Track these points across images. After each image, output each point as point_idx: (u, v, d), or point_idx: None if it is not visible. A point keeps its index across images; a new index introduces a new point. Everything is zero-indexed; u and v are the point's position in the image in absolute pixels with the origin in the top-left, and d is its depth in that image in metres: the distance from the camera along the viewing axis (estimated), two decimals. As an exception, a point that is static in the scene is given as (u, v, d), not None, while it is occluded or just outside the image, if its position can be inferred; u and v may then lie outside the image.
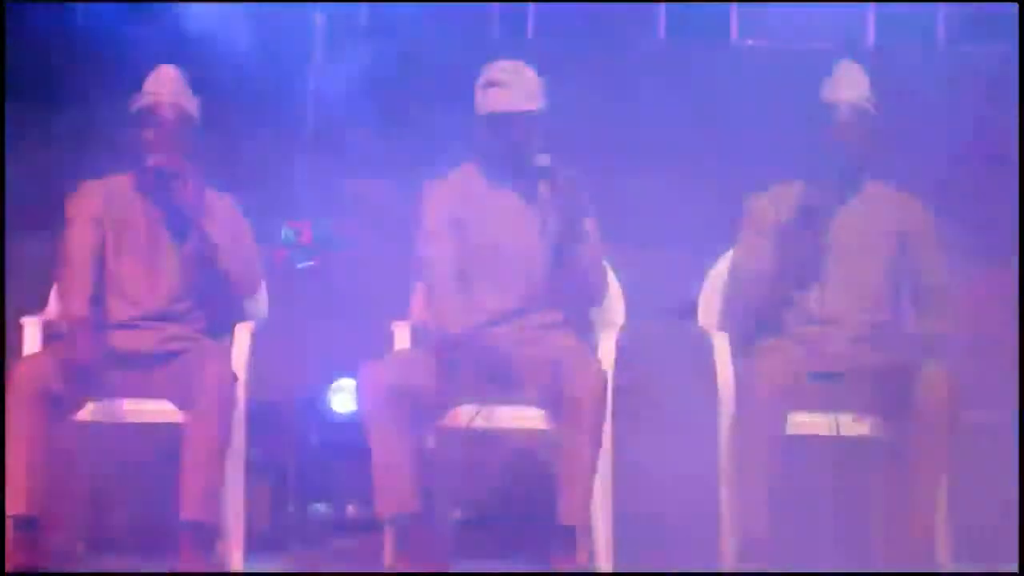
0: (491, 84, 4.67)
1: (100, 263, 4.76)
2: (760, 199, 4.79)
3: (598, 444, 4.46)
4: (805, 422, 4.60)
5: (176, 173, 4.68)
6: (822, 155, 4.68)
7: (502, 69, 4.68)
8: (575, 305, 4.75)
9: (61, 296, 4.70)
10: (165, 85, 4.78)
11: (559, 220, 4.60)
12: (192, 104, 4.81)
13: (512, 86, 4.64)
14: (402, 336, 4.78)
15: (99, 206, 4.79)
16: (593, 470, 4.45)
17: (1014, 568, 4.61)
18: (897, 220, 4.75)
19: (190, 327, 4.79)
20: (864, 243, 4.73)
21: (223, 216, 4.77)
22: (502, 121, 4.64)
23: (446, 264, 4.68)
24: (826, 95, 4.71)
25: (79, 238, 4.75)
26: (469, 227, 4.72)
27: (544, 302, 4.70)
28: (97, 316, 4.72)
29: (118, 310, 4.75)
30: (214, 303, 4.86)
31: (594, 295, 4.76)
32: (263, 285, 4.95)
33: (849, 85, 4.71)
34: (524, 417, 4.60)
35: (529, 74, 4.67)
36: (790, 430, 4.55)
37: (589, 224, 4.68)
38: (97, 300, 4.73)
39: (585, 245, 4.63)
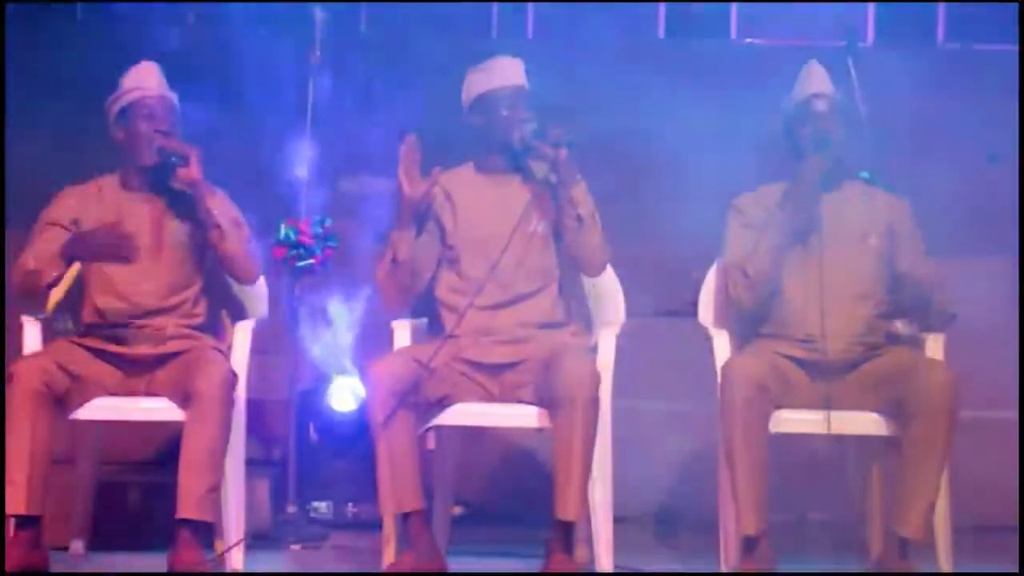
0: (474, 73, 4.78)
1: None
2: (747, 198, 4.82)
3: (593, 441, 4.46)
4: (796, 419, 4.59)
5: (185, 155, 4.71)
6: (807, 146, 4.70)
7: (483, 62, 4.79)
8: (576, 274, 4.76)
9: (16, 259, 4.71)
10: (149, 79, 4.83)
11: (555, 189, 4.63)
12: (174, 96, 4.85)
13: (491, 71, 4.76)
14: (402, 335, 4.78)
15: (72, 211, 4.81)
16: (588, 467, 4.45)
17: (1014, 568, 4.61)
18: (882, 216, 4.75)
19: (189, 321, 4.79)
20: (851, 236, 4.72)
21: (221, 201, 4.79)
22: (488, 102, 4.72)
23: (387, 256, 4.70)
24: (803, 92, 4.75)
25: (41, 239, 4.77)
26: (456, 222, 4.74)
27: (542, 290, 4.71)
28: (88, 317, 4.76)
29: (111, 310, 4.75)
30: (217, 293, 4.87)
31: (595, 264, 4.74)
32: (263, 282, 4.95)
33: (821, 81, 4.77)
34: (521, 415, 4.60)
35: (508, 60, 4.79)
36: (781, 428, 4.54)
37: (583, 188, 4.70)
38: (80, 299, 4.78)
39: (580, 213, 4.63)
